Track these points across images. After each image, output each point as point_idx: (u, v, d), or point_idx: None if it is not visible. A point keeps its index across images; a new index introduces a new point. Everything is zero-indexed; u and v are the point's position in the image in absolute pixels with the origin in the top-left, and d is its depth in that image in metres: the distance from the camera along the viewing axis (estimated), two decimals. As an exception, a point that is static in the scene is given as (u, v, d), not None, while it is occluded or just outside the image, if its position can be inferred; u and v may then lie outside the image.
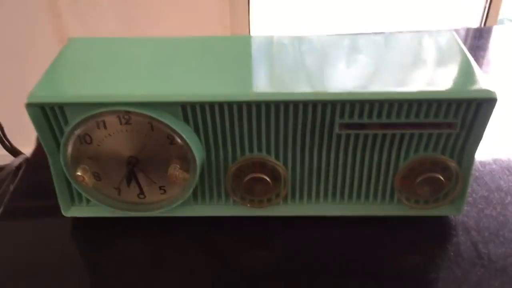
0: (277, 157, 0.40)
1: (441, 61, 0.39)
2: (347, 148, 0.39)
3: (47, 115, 0.37)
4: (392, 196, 0.42)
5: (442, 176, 0.39)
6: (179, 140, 0.37)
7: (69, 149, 0.38)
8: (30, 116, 0.36)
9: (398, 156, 0.39)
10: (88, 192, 0.41)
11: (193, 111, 0.37)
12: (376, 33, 0.44)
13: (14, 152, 0.59)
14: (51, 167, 0.39)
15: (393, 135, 0.38)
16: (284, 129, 0.38)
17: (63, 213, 0.42)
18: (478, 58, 0.68)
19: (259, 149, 0.39)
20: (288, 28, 1.51)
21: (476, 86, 0.36)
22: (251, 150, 0.39)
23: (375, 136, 0.38)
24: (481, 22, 1.49)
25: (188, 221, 0.42)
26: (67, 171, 0.39)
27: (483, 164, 0.48)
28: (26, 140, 0.69)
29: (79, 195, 0.42)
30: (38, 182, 0.47)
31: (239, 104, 0.36)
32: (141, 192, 0.40)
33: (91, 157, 0.38)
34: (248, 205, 0.42)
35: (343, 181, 0.41)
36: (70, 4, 1.29)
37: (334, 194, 0.42)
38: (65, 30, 1.32)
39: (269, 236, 0.42)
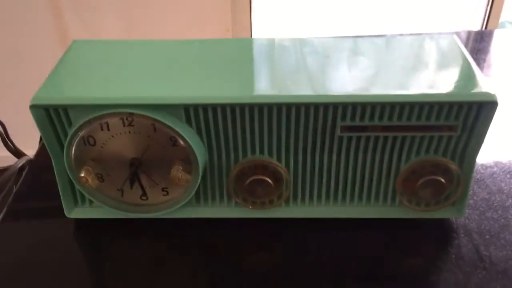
0: (279, 159, 0.40)
1: (442, 64, 0.40)
2: (348, 150, 0.39)
3: (51, 116, 0.37)
4: (393, 199, 0.42)
5: (444, 179, 0.39)
6: (181, 142, 0.38)
7: (73, 150, 0.38)
8: (34, 117, 0.37)
9: (399, 158, 0.40)
10: (91, 193, 0.41)
11: (195, 113, 0.37)
12: (377, 36, 0.45)
13: (17, 153, 0.60)
14: (55, 169, 0.40)
15: (395, 138, 0.38)
16: (286, 131, 0.38)
17: (66, 214, 0.42)
18: (479, 61, 0.68)
19: (261, 151, 0.40)
20: (290, 30, 1.51)
21: (477, 89, 0.36)
22: (253, 152, 0.40)
23: (376, 139, 0.39)
24: (482, 25, 1.49)
25: (190, 223, 0.42)
26: (71, 172, 0.40)
27: (484, 166, 0.49)
28: (29, 141, 0.70)
29: (82, 196, 0.42)
30: (41, 183, 0.48)
31: (241, 106, 0.37)
32: (144, 193, 0.41)
33: (94, 158, 0.39)
34: (250, 207, 0.42)
35: (345, 183, 0.41)
36: (72, 5, 1.29)
37: (335, 196, 0.42)
38: (67, 31, 1.32)
39: (270, 238, 0.42)
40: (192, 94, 0.36)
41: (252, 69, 0.40)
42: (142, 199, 0.41)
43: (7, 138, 0.61)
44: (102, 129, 0.37)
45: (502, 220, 0.43)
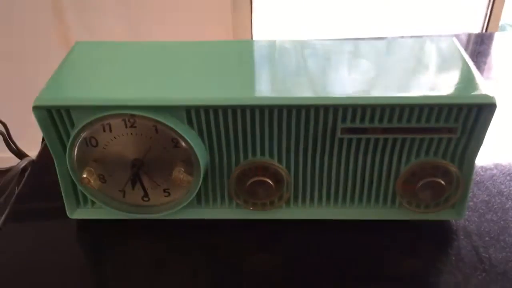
0: (279, 161, 0.40)
1: (442, 67, 0.40)
2: (349, 152, 0.40)
3: (54, 118, 0.37)
4: (393, 201, 0.42)
5: (443, 181, 0.39)
6: (183, 143, 0.38)
7: (75, 151, 0.39)
8: (37, 119, 0.37)
9: (399, 160, 0.40)
10: (93, 194, 0.41)
11: (197, 115, 0.37)
12: (378, 38, 0.45)
13: (20, 154, 0.60)
14: (57, 169, 0.40)
15: (395, 140, 0.39)
16: (286, 133, 0.38)
17: (69, 215, 0.42)
18: (479, 64, 0.68)
19: (262, 153, 0.40)
20: (291, 32, 1.51)
21: (476, 92, 0.36)
22: (254, 153, 0.40)
23: (376, 141, 0.39)
24: (483, 27, 1.49)
25: (191, 224, 0.43)
26: (73, 173, 0.40)
27: (484, 169, 0.49)
28: (31, 142, 0.70)
29: (85, 197, 0.43)
30: (43, 184, 0.48)
31: (243, 108, 0.37)
32: (146, 194, 0.41)
33: (96, 159, 0.39)
34: (251, 208, 0.42)
35: (345, 185, 0.42)
36: (74, 7, 1.29)
37: (336, 198, 0.42)
38: (69, 33, 1.33)
39: (271, 239, 0.42)
40: (194, 96, 0.37)
41: (253, 71, 0.40)
42: (143, 200, 0.41)
43: (10, 139, 0.61)
44: (104, 130, 0.37)
45: (502, 222, 0.43)
